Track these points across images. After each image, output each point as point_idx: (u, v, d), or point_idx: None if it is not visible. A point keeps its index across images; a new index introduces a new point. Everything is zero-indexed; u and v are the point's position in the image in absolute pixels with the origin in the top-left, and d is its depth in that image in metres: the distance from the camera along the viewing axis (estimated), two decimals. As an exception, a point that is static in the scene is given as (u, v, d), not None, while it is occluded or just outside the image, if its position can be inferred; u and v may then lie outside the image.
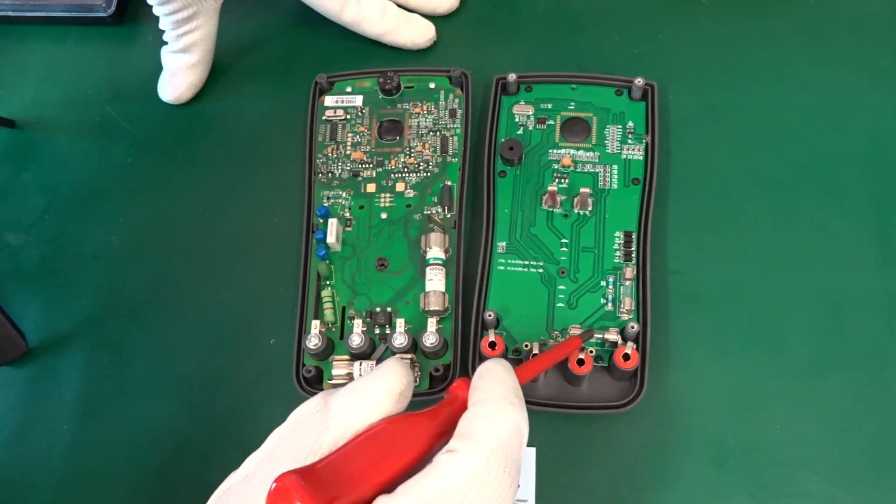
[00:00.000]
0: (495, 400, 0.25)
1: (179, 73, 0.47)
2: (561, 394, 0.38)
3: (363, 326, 0.39)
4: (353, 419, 0.24)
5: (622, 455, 0.38)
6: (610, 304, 0.39)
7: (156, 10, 0.45)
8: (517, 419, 0.25)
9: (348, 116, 0.45)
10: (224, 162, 0.47)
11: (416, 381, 0.39)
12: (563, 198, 0.41)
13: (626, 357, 0.36)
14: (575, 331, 0.38)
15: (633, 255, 0.40)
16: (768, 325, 0.40)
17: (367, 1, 0.46)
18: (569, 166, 0.42)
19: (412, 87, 0.46)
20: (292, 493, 0.20)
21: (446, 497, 0.22)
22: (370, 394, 0.25)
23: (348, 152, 0.44)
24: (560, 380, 0.39)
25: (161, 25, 0.46)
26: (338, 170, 0.44)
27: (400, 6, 0.48)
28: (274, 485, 0.21)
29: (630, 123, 0.43)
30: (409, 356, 0.39)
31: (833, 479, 0.36)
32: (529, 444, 0.38)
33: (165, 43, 0.47)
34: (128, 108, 0.49)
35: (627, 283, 0.39)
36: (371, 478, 0.22)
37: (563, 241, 0.41)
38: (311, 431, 0.24)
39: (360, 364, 0.39)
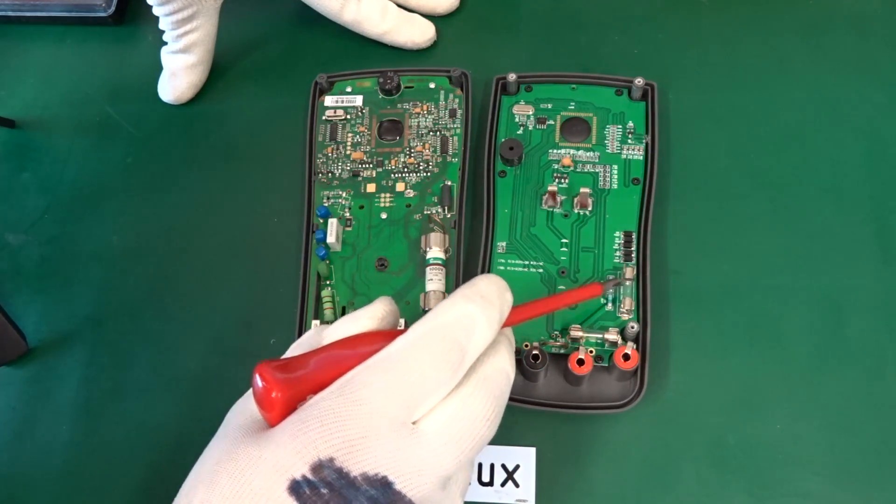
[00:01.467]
0: (453, 295, 0.26)
1: (179, 74, 0.47)
2: (561, 394, 0.38)
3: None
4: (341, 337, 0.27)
5: (622, 455, 0.38)
6: (610, 304, 0.39)
7: (156, 11, 0.45)
8: (469, 310, 0.25)
9: (348, 116, 0.45)
10: (224, 162, 0.47)
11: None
12: (563, 198, 0.41)
13: (626, 357, 0.36)
14: (576, 332, 0.38)
15: (633, 255, 0.40)
16: (768, 325, 0.39)
17: (367, 1, 0.46)
18: (569, 166, 0.42)
19: (412, 87, 0.46)
20: (262, 377, 0.24)
21: (373, 369, 0.24)
22: (357, 319, 0.28)
23: (348, 152, 0.44)
24: (560, 380, 0.39)
25: (161, 26, 0.46)
26: (338, 170, 0.44)
27: (400, 6, 0.48)
28: (255, 374, 0.24)
29: (630, 123, 0.43)
30: None
31: (833, 479, 0.36)
32: (529, 444, 0.38)
33: (165, 43, 0.47)
34: (128, 108, 0.49)
35: (627, 283, 0.39)
36: (337, 368, 0.25)
37: (563, 241, 0.41)
38: (305, 349, 0.27)
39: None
